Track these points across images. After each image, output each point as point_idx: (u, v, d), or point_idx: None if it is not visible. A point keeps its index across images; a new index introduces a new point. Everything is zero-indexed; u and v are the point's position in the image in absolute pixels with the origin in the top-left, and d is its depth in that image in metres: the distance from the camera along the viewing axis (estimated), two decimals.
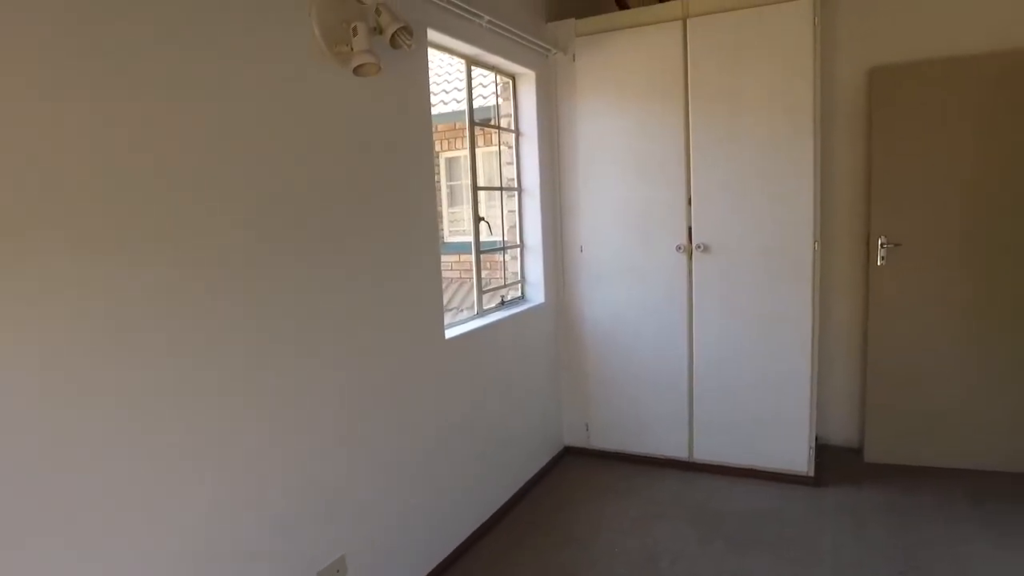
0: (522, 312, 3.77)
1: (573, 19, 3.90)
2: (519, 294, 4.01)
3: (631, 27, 3.73)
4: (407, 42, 2.30)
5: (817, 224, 3.45)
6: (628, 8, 4.04)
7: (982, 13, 3.55)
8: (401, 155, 2.70)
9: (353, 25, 2.19)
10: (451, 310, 8.26)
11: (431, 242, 2.90)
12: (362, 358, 2.49)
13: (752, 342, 3.64)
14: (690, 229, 3.70)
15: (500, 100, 3.95)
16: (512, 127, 3.92)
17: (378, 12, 2.31)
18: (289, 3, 2.13)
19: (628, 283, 3.91)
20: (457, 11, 2.99)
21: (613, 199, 3.88)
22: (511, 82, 3.89)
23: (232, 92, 1.93)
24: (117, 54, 1.62)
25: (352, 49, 2.20)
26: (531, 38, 3.61)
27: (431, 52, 3.04)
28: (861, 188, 3.89)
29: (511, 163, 3.97)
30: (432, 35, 2.94)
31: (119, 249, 1.63)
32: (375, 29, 2.33)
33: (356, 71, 2.21)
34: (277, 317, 2.11)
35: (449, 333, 3.12)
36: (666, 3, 3.68)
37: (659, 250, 3.80)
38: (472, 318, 3.47)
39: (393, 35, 2.29)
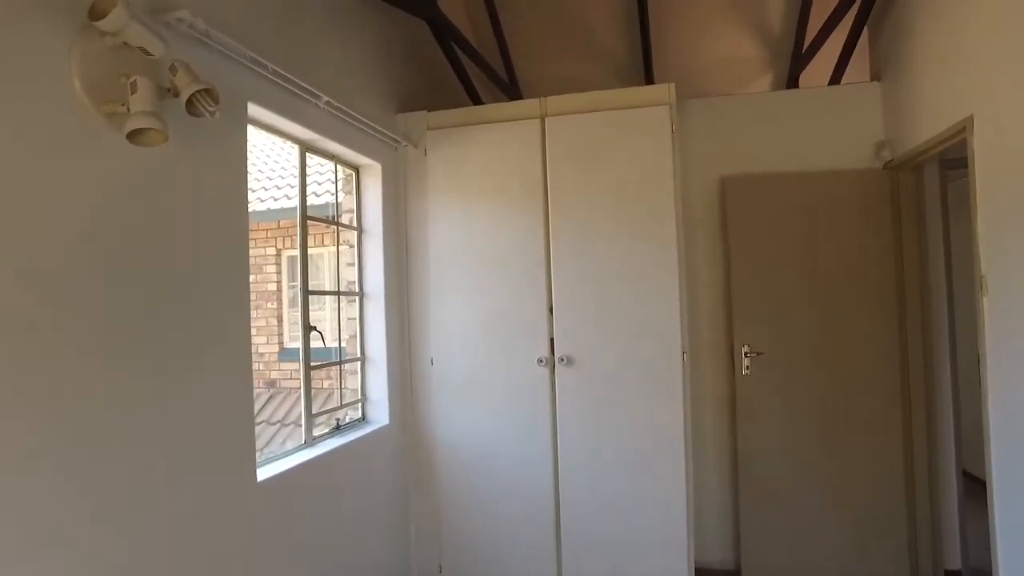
0: (362, 437, 3.16)
1: (425, 111, 3.61)
2: (359, 415, 3.41)
3: (488, 123, 3.49)
4: (208, 108, 1.79)
5: (685, 334, 3.25)
6: (483, 103, 3.84)
7: (811, 136, 3.75)
8: (205, 250, 2.12)
9: (132, 79, 1.66)
10: (289, 424, 7.32)
11: (239, 362, 2.27)
12: (137, 513, 1.77)
13: (624, 462, 3.29)
14: (552, 340, 3.37)
15: (343, 194, 3.50)
16: (354, 224, 3.46)
17: (173, 70, 1.80)
18: (46, 44, 1.57)
19: (485, 400, 3.46)
20: (289, 87, 2.54)
21: (468, 307, 3.48)
22: (354, 174, 3.47)
23: None
24: None
25: (128, 110, 1.65)
26: (377, 127, 3.23)
27: (262, 135, 2.56)
28: (721, 296, 3.81)
29: (352, 264, 3.47)
30: (256, 111, 2.46)
31: None
32: (168, 91, 1.81)
33: (131, 137, 1.65)
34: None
35: (266, 472, 2.45)
36: (524, 101, 3.50)
37: (519, 363, 3.41)
38: (298, 450, 2.81)
39: (191, 98, 1.77)
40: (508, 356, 3.43)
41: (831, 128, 3.75)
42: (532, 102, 3.45)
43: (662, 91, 3.30)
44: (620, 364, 3.29)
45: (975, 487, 4.42)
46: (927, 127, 3.20)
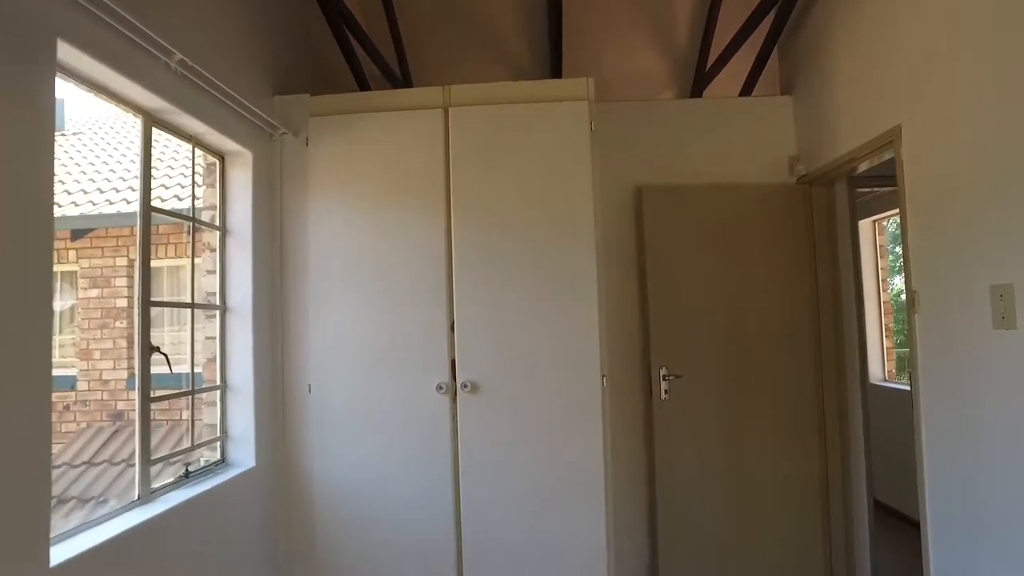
0: (220, 486, 2.54)
1: (308, 95, 3.09)
2: (218, 456, 2.78)
3: (382, 111, 3.02)
4: None
5: (605, 355, 2.91)
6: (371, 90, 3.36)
7: (726, 147, 3.59)
8: None
9: None
10: (135, 464, 6.31)
11: (31, 400, 1.64)
12: None
13: (537, 504, 2.87)
14: (454, 363, 2.92)
15: (204, 186, 2.89)
16: (217, 223, 2.85)
17: None
18: None
19: (375, 433, 2.93)
20: (125, 31, 1.96)
21: (354, 323, 2.95)
22: (218, 163, 2.87)
23: None
24: None
25: None
26: (250, 105, 2.68)
27: (98, 106, 1.94)
28: (637, 313, 3.53)
29: (214, 272, 2.86)
30: (70, 55, 1.83)
31: None
32: None
33: None
34: None
35: (69, 549, 1.79)
36: (425, 88, 3.07)
37: (414, 390, 2.93)
38: (126, 509, 2.16)
39: None
40: (402, 382, 2.93)
41: (745, 140, 3.62)
42: (435, 90, 3.02)
43: (580, 85, 3.00)
44: (532, 390, 2.89)
45: (883, 515, 4.40)
46: (846, 140, 3.10)
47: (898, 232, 6.18)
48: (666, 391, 3.34)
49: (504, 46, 4.42)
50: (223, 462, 2.77)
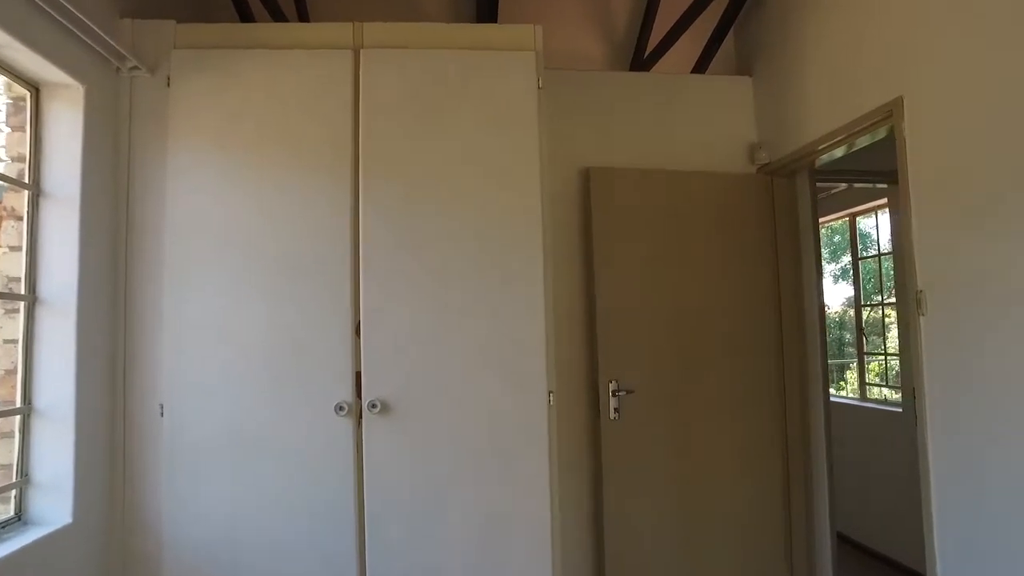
0: (11, 556, 1.73)
1: (173, 21, 2.34)
2: (11, 513, 1.95)
3: (273, 48, 2.32)
4: None
5: (552, 367, 2.33)
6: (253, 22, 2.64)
7: (682, 130, 3.16)
8: None
9: None
10: None
11: None
12: None
13: (466, 554, 2.23)
14: (359, 376, 2.25)
15: (6, 129, 2.08)
16: (27, 180, 2.05)
17: None
18: None
19: (250, 471, 2.19)
20: None
21: (226, 323, 2.21)
22: (30, 98, 2.07)
23: None
24: None
25: None
26: (86, 20, 1.92)
27: None
28: (583, 317, 2.97)
29: (18, 248, 2.04)
30: None
31: None
32: None
33: None
34: None
35: None
36: (330, 24, 2.40)
37: (306, 411, 2.22)
38: None
39: None
40: (288, 401, 2.22)
41: (703, 123, 3.19)
42: (343, 26, 2.36)
43: (526, 33, 2.43)
44: (462, 411, 2.27)
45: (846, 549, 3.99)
46: (817, 123, 2.72)
47: (842, 240, 6.04)
48: (616, 409, 2.81)
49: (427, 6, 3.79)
50: (19, 520, 1.95)
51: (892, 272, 4.01)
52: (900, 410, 3.77)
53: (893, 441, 3.64)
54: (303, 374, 2.23)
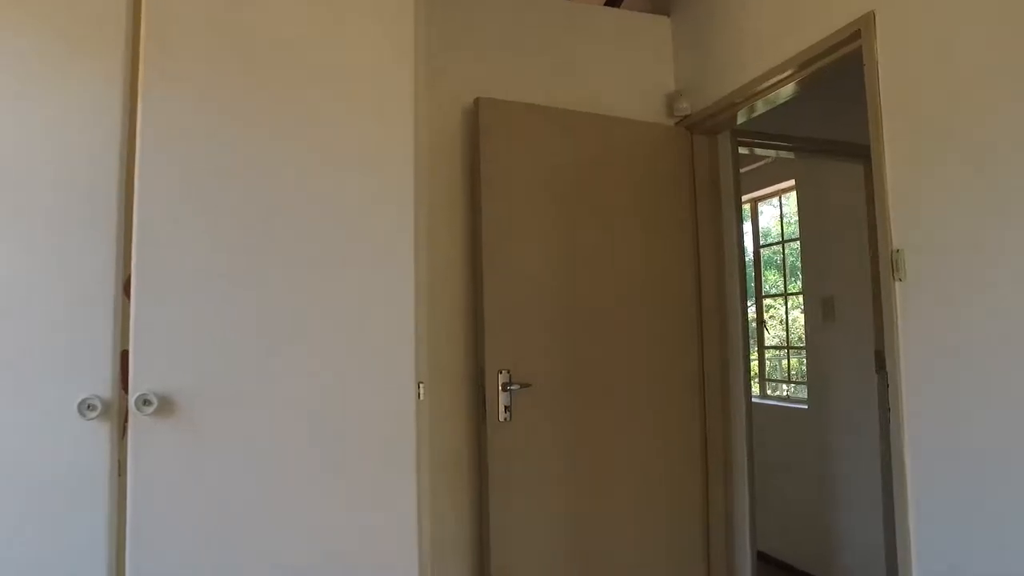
0: None
1: None
2: None
3: None
4: None
5: (423, 350, 1.65)
6: None
7: (592, 70, 2.60)
8: None
9: None
10: None
11: None
12: None
13: None
14: (126, 357, 1.45)
15: None
16: None
17: None
18: None
19: None
20: None
21: None
22: None
23: None
24: None
25: None
26: None
27: None
28: (463, 292, 2.31)
29: None
30: None
31: None
32: None
33: None
34: None
35: None
36: None
37: (20, 412, 1.39)
38: None
39: None
40: (7, 394, 1.38)
41: (615, 62, 2.65)
42: None
43: None
44: (292, 408, 1.53)
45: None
46: (754, 63, 2.25)
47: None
48: (507, 408, 2.17)
49: None
50: None
51: (799, 263, 3.68)
52: (806, 407, 3.45)
53: (802, 441, 3.31)
54: (27, 353, 1.39)
